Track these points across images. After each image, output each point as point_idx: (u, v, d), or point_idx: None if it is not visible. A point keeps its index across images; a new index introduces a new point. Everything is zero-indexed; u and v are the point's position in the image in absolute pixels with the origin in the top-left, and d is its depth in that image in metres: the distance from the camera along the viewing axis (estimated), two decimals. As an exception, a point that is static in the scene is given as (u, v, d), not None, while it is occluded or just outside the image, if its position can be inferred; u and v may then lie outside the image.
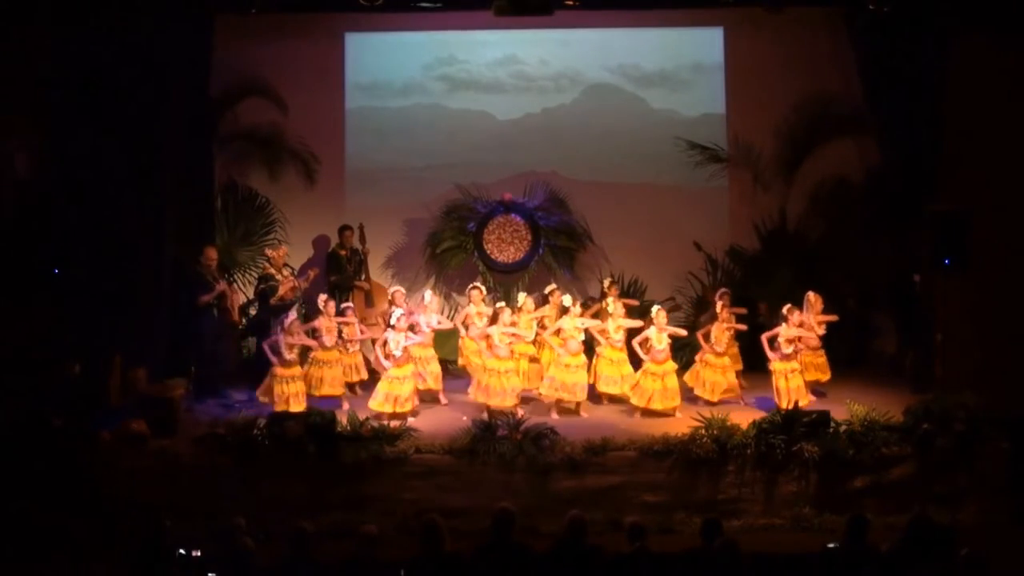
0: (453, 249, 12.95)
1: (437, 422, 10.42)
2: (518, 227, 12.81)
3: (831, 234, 12.87)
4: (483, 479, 9.50)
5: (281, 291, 11.39)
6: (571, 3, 11.57)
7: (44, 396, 10.03)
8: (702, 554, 6.96)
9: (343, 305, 11.44)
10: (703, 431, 9.69)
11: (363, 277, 12.34)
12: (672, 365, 10.65)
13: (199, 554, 7.12)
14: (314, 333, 10.89)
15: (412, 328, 10.77)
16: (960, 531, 7.74)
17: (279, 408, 10.13)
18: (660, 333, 10.61)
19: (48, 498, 9.14)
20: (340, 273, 12.28)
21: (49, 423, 9.65)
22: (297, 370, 10.45)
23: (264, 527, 8.06)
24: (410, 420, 10.33)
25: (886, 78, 11.85)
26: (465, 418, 10.29)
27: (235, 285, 12.31)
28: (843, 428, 9.71)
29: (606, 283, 11.75)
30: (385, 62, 13.31)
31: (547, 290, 11.55)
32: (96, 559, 8.41)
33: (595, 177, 13.28)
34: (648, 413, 10.49)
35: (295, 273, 11.92)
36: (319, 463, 9.51)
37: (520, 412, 10.40)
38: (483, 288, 11.49)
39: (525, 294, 11.39)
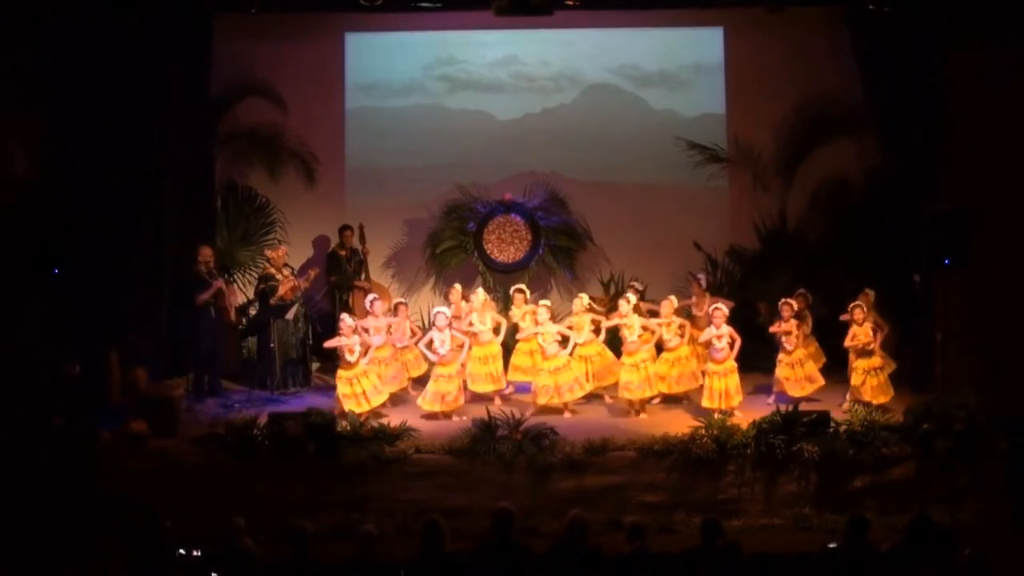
0: (453, 249, 12.93)
1: (437, 422, 10.41)
2: (518, 227, 12.80)
3: (831, 234, 12.85)
4: (483, 479, 9.50)
5: (281, 291, 11.40)
6: (571, 3, 11.57)
7: (44, 396, 10.03)
8: (702, 554, 6.96)
9: (395, 302, 11.37)
10: (703, 431, 9.70)
11: (363, 277, 12.34)
12: (732, 364, 10.42)
13: (199, 554, 7.13)
14: (364, 332, 10.81)
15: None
16: (960, 531, 7.75)
17: (350, 408, 10.09)
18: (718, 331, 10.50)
19: (48, 498, 9.13)
20: (340, 273, 12.28)
21: (49, 423, 9.65)
22: (359, 368, 10.40)
23: (264, 527, 8.05)
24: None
25: (886, 78, 11.84)
26: (465, 418, 10.29)
27: (234, 285, 12.30)
28: (843, 428, 9.72)
29: (701, 276, 11.66)
30: (385, 62, 13.28)
31: (630, 286, 11.43)
32: (96, 559, 8.40)
33: (595, 177, 13.26)
34: (717, 411, 10.30)
35: (295, 273, 11.91)
36: (319, 463, 9.51)
37: (572, 412, 10.51)
38: (527, 291, 11.36)
39: (585, 295, 11.26)
